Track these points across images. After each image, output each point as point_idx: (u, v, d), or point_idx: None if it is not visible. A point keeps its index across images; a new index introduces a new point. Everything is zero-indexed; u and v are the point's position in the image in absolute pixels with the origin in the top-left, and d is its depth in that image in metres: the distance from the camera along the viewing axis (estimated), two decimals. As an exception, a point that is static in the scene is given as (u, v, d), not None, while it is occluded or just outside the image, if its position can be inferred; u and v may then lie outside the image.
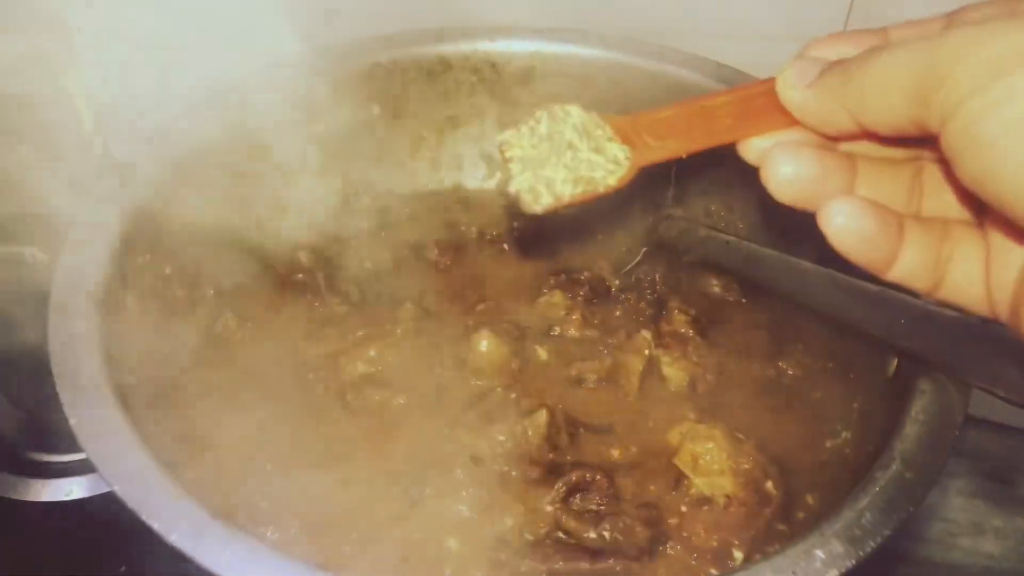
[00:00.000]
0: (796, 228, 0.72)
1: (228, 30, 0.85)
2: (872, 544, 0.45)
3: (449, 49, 0.81)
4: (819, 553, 0.45)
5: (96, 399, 0.51)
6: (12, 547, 0.78)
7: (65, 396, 0.51)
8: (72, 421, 0.49)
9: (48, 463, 0.82)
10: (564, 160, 0.48)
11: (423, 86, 0.82)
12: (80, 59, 0.69)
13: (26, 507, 0.79)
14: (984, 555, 0.77)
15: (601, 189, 0.49)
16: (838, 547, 0.45)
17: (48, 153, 0.66)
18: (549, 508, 0.59)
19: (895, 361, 0.60)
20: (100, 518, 0.78)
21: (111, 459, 0.48)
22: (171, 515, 0.45)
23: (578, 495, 0.60)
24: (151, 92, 0.72)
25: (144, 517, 0.45)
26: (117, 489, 0.46)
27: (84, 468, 0.80)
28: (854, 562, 0.45)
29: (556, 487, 0.59)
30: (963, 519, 0.80)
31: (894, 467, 0.49)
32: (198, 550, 0.44)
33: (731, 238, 0.70)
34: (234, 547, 0.45)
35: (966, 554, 0.77)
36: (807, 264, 0.64)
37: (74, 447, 0.72)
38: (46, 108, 0.67)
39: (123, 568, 0.75)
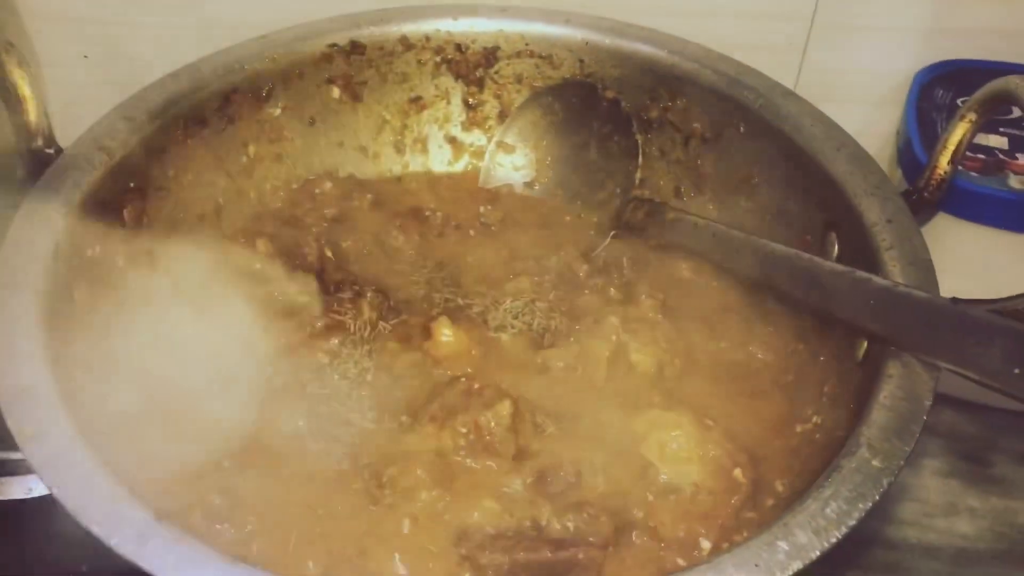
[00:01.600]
0: (766, 205, 0.72)
1: (184, 13, 0.83)
2: (837, 535, 0.44)
3: (410, 29, 0.79)
4: (782, 545, 0.44)
5: (36, 398, 0.49)
6: (-30, 546, 0.76)
7: (4, 394, 0.49)
8: (9, 421, 0.48)
9: (7, 460, 0.80)
10: None
11: (384, 68, 0.79)
12: (25, 43, 0.67)
13: (-17, 505, 0.77)
14: (959, 535, 0.76)
15: None
16: (802, 538, 0.44)
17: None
18: (520, 490, 0.58)
19: (864, 344, 0.58)
20: (61, 516, 0.76)
21: (49, 460, 0.46)
22: (113, 518, 0.44)
23: (547, 480, 0.59)
24: (100, 79, 0.70)
25: (83, 521, 0.44)
26: (55, 492, 0.45)
27: (44, 465, 0.78)
28: (819, 553, 0.44)
29: (526, 470, 0.58)
30: (938, 500, 0.79)
31: (860, 454, 0.48)
32: (141, 555, 0.42)
33: (698, 219, 0.69)
34: (180, 551, 0.43)
35: (941, 535, 0.76)
36: (774, 245, 0.63)
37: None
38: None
39: (84, 567, 0.73)
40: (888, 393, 0.51)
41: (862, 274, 0.56)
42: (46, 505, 0.78)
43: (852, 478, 0.47)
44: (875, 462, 0.47)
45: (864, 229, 0.61)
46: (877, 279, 0.55)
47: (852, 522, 0.45)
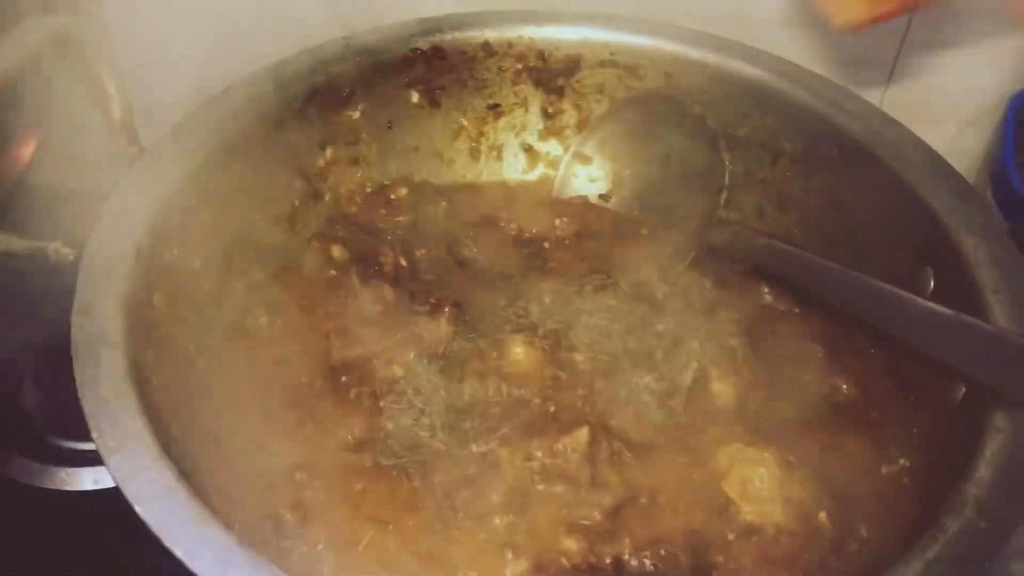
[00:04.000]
0: (855, 233, 0.69)
1: (265, 15, 0.82)
2: (943, 603, 0.42)
3: (493, 35, 0.77)
4: (886, 610, 0.42)
5: (119, 410, 0.49)
6: (36, 536, 0.76)
7: (87, 406, 0.49)
8: (94, 434, 0.47)
9: (73, 450, 0.80)
10: None
11: (464, 73, 0.78)
12: (111, 42, 0.66)
13: (50, 496, 0.78)
14: (1038, 581, 0.73)
15: None
16: (906, 604, 0.42)
17: (74, 143, 0.64)
18: (597, 522, 0.56)
19: (963, 389, 0.56)
20: (126, 508, 0.76)
21: (134, 477, 0.46)
22: (195, 541, 0.43)
23: (625, 513, 0.57)
24: (184, 79, 0.69)
25: (166, 543, 0.43)
26: (140, 511, 0.44)
27: (109, 458, 0.78)
28: (923, 621, 0.42)
29: (604, 501, 0.57)
30: (1017, 542, 0.76)
31: (966, 514, 0.46)
32: (223, 581, 0.42)
33: (790, 248, 0.66)
34: (260, 578, 0.42)
35: (1019, 580, 0.74)
36: (872, 281, 0.60)
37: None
38: (73, 94, 0.64)
39: (148, 562, 0.73)
40: (996, 449, 0.48)
41: (968, 319, 0.53)
42: (111, 497, 0.78)
43: (959, 541, 0.44)
44: (983, 524, 0.45)
45: (966, 267, 0.58)
46: (985, 325, 0.53)
47: (959, 590, 0.43)
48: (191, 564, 0.42)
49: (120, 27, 0.75)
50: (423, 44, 0.76)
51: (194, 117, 0.67)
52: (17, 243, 0.56)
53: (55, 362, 0.82)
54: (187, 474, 0.49)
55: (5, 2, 0.72)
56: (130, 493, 0.45)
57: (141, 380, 0.53)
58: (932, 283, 0.62)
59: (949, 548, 0.44)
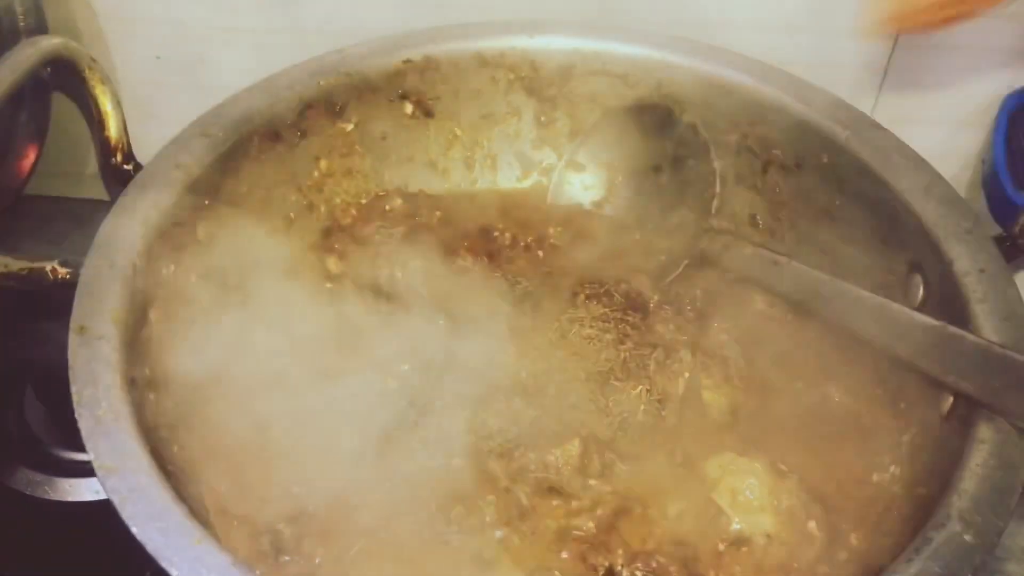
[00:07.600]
0: (847, 240, 0.70)
1: (256, 16, 0.82)
2: (926, 616, 0.43)
3: (485, 45, 0.78)
4: (869, 623, 0.43)
5: (116, 430, 0.49)
6: (39, 546, 0.77)
7: (85, 426, 0.49)
8: (92, 455, 0.48)
9: (76, 461, 0.81)
10: None
11: (457, 84, 0.78)
12: (109, 60, 0.67)
13: (53, 506, 0.79)
14: (1032, 582, 0.74)
15: None
16: (890, 616, 0.43)
17: (71, 161, 0.64)
18: (590, 533, 0.57)
19: (950, 398, 0.56)
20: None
21: (130, 497, 0.46)
22: (192, 563, 0.44)
23: (616, 525, 0.58)
24: (179, 96, 0.70)
25: (163, 564, 0.44)
26: (136, 532, 0.45)
27: (110, 468, 0.79)
28: (906, 634, 0.42)
29: (595, 513, 0.58)
30: (1011, 543, 0.77)
31: (950, 527, 0.46)
32: (218, 601, 0.42)
33: (780, 258, 0.67)
34: (256, 598, 0.43)
35: (1012, 581, 0.74)
36: (861, 291, 0.61)
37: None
38: (70, 113, 0.65)
39: (148, 574, 0.74)
40: (980, 461, 0.49)
41: (954, 330, 0.54)
42: (112, 508, 0.79)
43: (942, 553, 0.45)
44: (967, 537, 0.46)
45: (953, 277, 0.59)
46: (971, 337, 0.53)
47: (942, 602, 0.43)
48: (188, 585, 0.43)
49: (108, 28, 0.75)
50: (415, 55, 0.76)
51: (188, 134, 0.68)
52: (14, 263, 0.57)
53: (55, 377, 0.84)
54: (184, 490, 0.50)
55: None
56: (127, 514, 0.46)
57: (138, 398, 0.54)
58: (921, 291, 0.63)
59: (933, 561, 0.45)
